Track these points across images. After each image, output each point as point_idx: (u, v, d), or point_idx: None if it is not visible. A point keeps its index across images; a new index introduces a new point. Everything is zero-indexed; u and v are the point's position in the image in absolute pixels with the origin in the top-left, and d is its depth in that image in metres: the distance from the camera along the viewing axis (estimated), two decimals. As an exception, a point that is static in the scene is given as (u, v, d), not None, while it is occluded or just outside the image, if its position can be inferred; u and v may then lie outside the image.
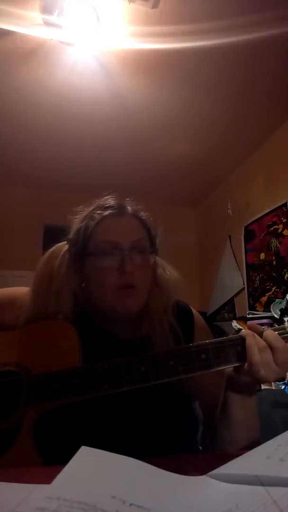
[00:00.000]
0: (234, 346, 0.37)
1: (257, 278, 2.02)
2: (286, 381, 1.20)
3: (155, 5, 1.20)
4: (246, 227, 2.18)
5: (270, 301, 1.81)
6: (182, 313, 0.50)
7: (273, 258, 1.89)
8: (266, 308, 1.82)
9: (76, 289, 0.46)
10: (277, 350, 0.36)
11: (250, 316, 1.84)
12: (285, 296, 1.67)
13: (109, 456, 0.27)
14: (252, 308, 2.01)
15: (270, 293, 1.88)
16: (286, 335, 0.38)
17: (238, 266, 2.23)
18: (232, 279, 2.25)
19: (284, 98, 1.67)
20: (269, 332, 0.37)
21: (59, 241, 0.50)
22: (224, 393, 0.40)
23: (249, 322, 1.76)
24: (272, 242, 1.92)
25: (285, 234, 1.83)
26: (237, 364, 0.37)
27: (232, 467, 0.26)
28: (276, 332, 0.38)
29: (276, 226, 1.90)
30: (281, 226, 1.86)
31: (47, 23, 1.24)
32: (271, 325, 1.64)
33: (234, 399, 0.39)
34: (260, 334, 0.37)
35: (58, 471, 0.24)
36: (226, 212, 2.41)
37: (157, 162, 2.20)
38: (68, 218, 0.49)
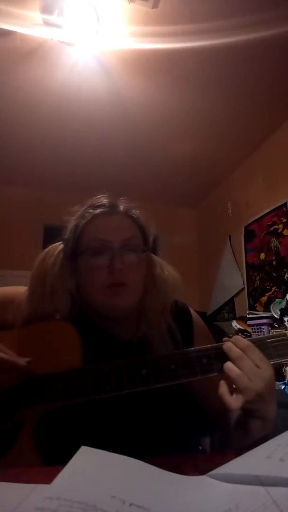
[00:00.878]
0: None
1: (257, 278, 2.02)
2: (286, 381, 1.20)
3: (155, 5, 1.20)
4: (246, 227, 2.18)
5: (270, 301, 1.81)
6: (181, 314, 0.50)
7: (273, 258, 1.89)
8: (266, 308, 1.82)
9: (72, 289, 0.46)
10: (248, 350, 0.35)
11: (250, 316, 1.84)
12: (285, 296, 1.66)
13: (109, 456, 0.27)
14: (252, 308, 2.00)
15: (270, 293, 1.88)
16: (281, 341, 0.38)
17: (238, 266, 2.23)
18: (232, 279, 2.25)
19: (284, 97, 1.67)
20: (234, 339, 0.37)
21: (60, 239, 0.50)
22: (244, 417, 0.37)
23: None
24: (272, 242, 1.92)
25: (285, 234, 1.83)
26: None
27: (232, 467, 0.26)
28: (272, 338, 0.37)
29: (276, 226, 1.90)
30: (281, 226, 1.86)
31: (47, 23, 1.24)
32: (271, 325, 1.64)
33: (255, 423, 0.36)
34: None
35: (58, 471, 0.24)
36: (226, 212, 2.41)
37: (157, 162, 2.20)
38: (65, 218, 0.49)
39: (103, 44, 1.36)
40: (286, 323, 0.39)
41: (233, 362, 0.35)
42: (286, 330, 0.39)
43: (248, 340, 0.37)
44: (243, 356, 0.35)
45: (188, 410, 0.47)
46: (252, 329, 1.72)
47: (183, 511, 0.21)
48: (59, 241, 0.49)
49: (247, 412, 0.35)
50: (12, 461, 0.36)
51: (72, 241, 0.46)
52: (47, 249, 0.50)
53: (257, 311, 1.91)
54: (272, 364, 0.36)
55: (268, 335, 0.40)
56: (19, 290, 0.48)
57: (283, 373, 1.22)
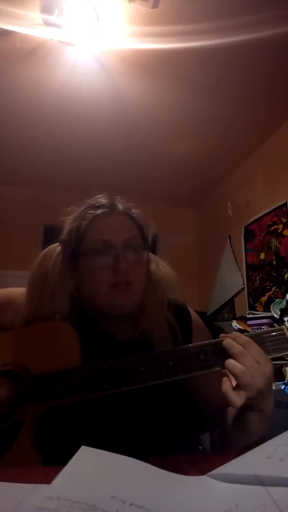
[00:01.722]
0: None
1: (257, 278, 2.02)
2: (286, 381, 1.20)
3: (155, 5, 1.20)
4: (246, 227, 2.18)
5: (270, 301, 1.81)
6: (178, 311, 0.50)
7: (273, 258, 1.89)
8: (266, 308, 1.82)
9: (71, 290, 0.46)
10: (248, 346, 0.35)
11: (250, 316, 1.84)
12: (285, 296, 1.67)
13: (109, 456, 0.27)
14: (252, 308, 2.00)
15: (270, 293, 1.88)
16: (280, 335, 0.38)
17: (238, 266, 2.23)
18: (232, 279, 2.25)
19: (284, 98, 1.67)
20: (232, 335, 0.37)
21: (59, 239, 0.49)
22: (241, 410, 0.38)
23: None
24: (272, 242, 1.92)
25: (285, 234, 1.83)
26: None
27: (232, 467, 0.26)
28: (271, 333, 0.37)
29: (276, 226, 1.90)
30: (281, 226, 1.86)
31: (47, 23, 1.24)
32: (271, 325, 1.64)
33: (252, 417, 0.37)
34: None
35: (58, 471, 0.24)
36: (226, 212, 2.41)
37: (157, 162, 2.20)
38: (60, 219, 0.49)
39: (103, 44, 1.36)
40: (286, 323, 0.39)
41: (235, 358, 0.35)
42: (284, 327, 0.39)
43: (245, 335, 0.38)
44: (245, 352, 0.35)
45: (188, 408, 0.47)
46: (252, 329, 1.72)
47: (183, 511, 0.21)
48: (57, 242, 0.49)
49: (245, 406, 0.35)
50: (11, 460, 0.36)
51: (72, 242, 0.46)
52: (45, 250, 0.49)
53: (257, 311, 1.91)
54: (270, 359, 0.36)
55: (265, 330, 0.40)
56: (18, 291, 0.48)
57: (283, 373, 1.22)
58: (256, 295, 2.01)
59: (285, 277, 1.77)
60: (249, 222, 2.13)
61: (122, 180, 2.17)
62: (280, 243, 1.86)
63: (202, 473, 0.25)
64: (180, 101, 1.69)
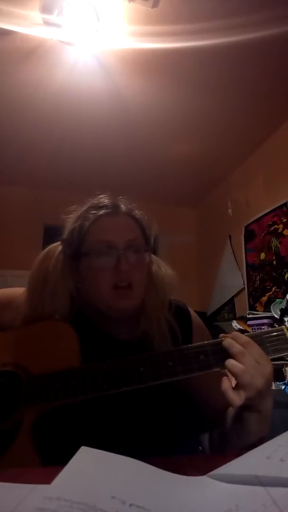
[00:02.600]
0: None
1: (257, 278, 2.02)
2: (286, 381, 1.20)
3: (155, 5, 1.20)
4: (246, 227, 2.17)
5: (270, 301, 1.81)
6: (179, 312, 0.50)
7: (273, 258, 1.89)
8: (266, 308, 1.82)
9: (72, 290, 0.46)
10: (248, 346, 0.35)
11: (250, 316, 1.84)
12: (285, 296, 1.66)
13: (109, 456, 0.27)
14: (252, 308, 2.00)
15: (270, 293, 1.88)
16: (281, 336, 0.38)
17: (238, 266, 2.22)
18: (232, 279, 2.25)
19: (284, 98, 1.66)
20: (232, 335, 0.37)
21: (60, 239, 0.49)
22: (240, 410, 0.38)
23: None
24: (272, 242, 1.92)
25: (285, 234, 1.83)
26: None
27: (232, 467, 0.26)
28: (272, 333, 0.37)
29: (276, 226, 1.90)
30: (281, 226, 1.86)
31: (47, 23, 1.24)
32: (271, 325, 1.64)
33: (250, 417, 0.37)
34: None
35: (58, 471, 0.24)
36: (226, 212, 2.40)
37: (157, 162, 2.20)
38: (61, 217, 0.48)
39: (103, 44, 1.35)
40: (286, 323, 0.39)
41: (235, 358, 0.35)
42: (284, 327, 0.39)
43: (245, 335, 0.37)
44: (245, 351, 0.35)
45: (188, 408, 0.47)
46: (252, 329, 1.72)
47: (183, 511, 0.21)
48: (58, 241, 0.49)
49: (244, 406, 0.35)
50: (11, 460, 0.36)
51: (74, 243, 0.46)
52: (46, 250, 0.49)
53: (257, 311, 1.91)
54: (270, 359, 0.36)
55: (265, 330, 0.40)
56: (18, 291, 0.48)
57: (283, 373, 1.22)
58: (256, 295, 2.01)
59: (285, 277, 1.77)
60: (249, 222, 2.13)
61: (122, 180, 2.16)
62: (280, 243, 1.86)
63: (202, 473, 0.25)
64: (180, 100, 1.69)
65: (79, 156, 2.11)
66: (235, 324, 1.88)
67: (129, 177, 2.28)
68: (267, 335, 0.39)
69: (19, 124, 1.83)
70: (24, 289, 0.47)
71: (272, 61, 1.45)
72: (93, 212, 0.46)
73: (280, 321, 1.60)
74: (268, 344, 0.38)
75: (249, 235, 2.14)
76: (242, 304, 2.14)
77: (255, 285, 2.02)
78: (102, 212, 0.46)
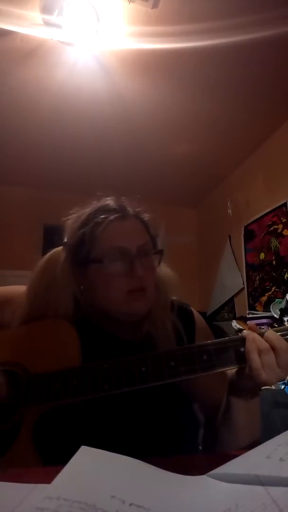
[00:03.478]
0: (236, 347, 0.37)
1: (257, 278, 2.02)
2: (286, 381, 1.20)
3: (155, 5, 1.20)
4: (246, 227, 2.17)
5: (270, 301, 1.81)
6: (182, 313, 0.50)
7: (273, 258, 1.89)
8: (266, 308, 1.82)
9: (76, 293, 0.46)
10: (281, 351, 0.35)
11: (250, 316, 1.84)
12: (285, 296, 1.66)
13: (109, 455, 0.27)
14: (252, 308, 2.00)
15: (270, 293, 1.88)
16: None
17: (238, 266, 2.22)
18: (232, 279, 2.25)
19: (284, 98, 1.67)
20: (270, 333, 0.37)
21: (59, 241, 0.49)
22: (227, 397, 0.39)
23: (248, 323, 1.76)
24: (272, 242, 1.91)
25: (285, 234, 1.83)
26: (239, 366, 0.36)
27: (232, 466, 0.26)
28: (278, 333, 0.37)
29: (276, 226, 1.90)
30: (281, 226, 1.86)
31: (47, 23, 1.24)
32: (270, 325, 1.64)
33: (237, 403, 0.38)
34: (261, 335, 0.37)
35: (58, 471, 0.24)
36: (226, 212, 2.40)
37: (157, 162, 2.20)
38: (62, 220, 0.48)
39: (103, 44, 1.35)
40: (286, 323, 0.39)
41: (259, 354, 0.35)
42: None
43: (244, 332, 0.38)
44: (270, 350, 0.35)
45: (188, 408, 0.47)
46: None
47: (182, 511, 0.21)
48: (60, 245, 0.49)
49: (234, 389, 0.37)
50: (11, 460, 0.36)
51: (82, 248, 0.45)
52: (49, 254, 0.49)
53: (257, 311, 1.91)
54: None
55: (275, 329, 0.39)
56: (19, 289, 0.48)
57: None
58: (256, 295, 2.01)
59: (285, 277, 1.77)
60: (249, 222, 2.13)
61: (122, 180, 2.16)
62: (280, 243, 1.86)
63: (202, 472, 0.25)
64: (180, 101, 1.69)
65: (79, 156, 2.11)
66: (234, 324, 1.87)
67: (129, 177, 2.28)
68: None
69: (19, 124, 1.83)
70: (25, 289, 0.47)
71: (272, 61, 1.45)
72: (102, 216, 0.45)
73: (280, 321, 1.60)
74: None
75: (249, 235, 2.14)
76: (241, 304, 2.14)
77: (255, 285, 2.02)
78: (112, 217, 0.45)
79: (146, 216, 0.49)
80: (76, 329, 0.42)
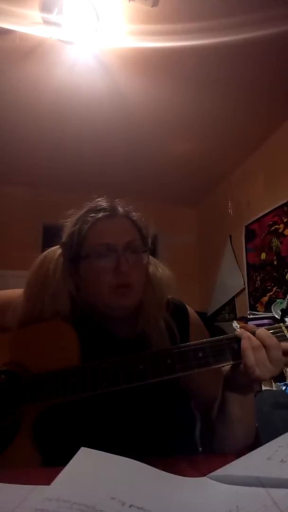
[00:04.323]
0: (231, 345, 0.38)
1: (258, 278, 2.01)
2: (286, 382, 1.20)
3: (155, 4, 1.19)
4: (246, 227, 2.17)
5: (271, 301, 1.80)
6: (177, 311, 0.51)
7: (274, 258, 1.89)
8: (267, 308, 1.81)
9: (72, 291, 0.47)
10: (270, 348, 0.36)
11: (251, 316, 1.84)
12: (286, 296, 1.66)
13: (108, 457, 0.27)
14: (253, 308, 2.00)
15: (271, 293, 1.88)
16: (279, 334, 0.39)
17: (238, 266, 2.22)
18: (232, 279, 2.24)
19: (284, 97, 1.66)
20: (261, 331, 0.38)
21: (59, 241, 0.50)
22: (222, 392, 0.41)
23: (249, 323, 1.76)
24: (273, 241, 1.91)
25: (286, 234, 1.83)
26: (233, 363, 0.38)
27: (233, 468, 0.25)
28: (269, 331, 0.39)
29: (277, 226, 1.89)
30: (282, 225, 1.86)
31: (46, 22, 1.24)
32: (271, 325, 1.63)
33: (232, 398, 0.39)
34: (253, 333, 0.38)
35: (58, 472, 0.24)
36: (226, 212, 2.40)
37: (157, 161, 2.19)
38: (60, 222, 0.49)
39: (103, 43, 1.35)
40: (287, 323, 0.40)
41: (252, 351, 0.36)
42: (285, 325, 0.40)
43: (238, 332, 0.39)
44: (261, 347, 0.37)
45: (187, 408, 0.48)
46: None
47: (183, 513, 0.21)
48: (56, 245, 0.50)
49: (229, 383, 0.38)
50: (10, 458, 0.36)
51: (74, 246, 0.46)
52: (45, 253, 0.50)
53: (258, 311, 1.91)
54: None
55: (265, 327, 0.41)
56: (16, 292, 0.49)
57: (284, 373, 1.21)
58: (257, 295, 2.00)
59: (286, 277, 1.77)
60: (250, 221, 2.13)
61: (122, 179, 2.16)
62: (281, 243, 1.85)
63: (202, 474, 0.25)
64: (180, 100, 1.68)
65: (78, 155, 2.10)
66: (235, 324, 1.87)
67: (129, 176, 2.28)
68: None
69: (18, 123, 1.83)
70: (22, 291, 0.47)
71: (272, 61, 1.44)
72: (92, 215, 0.47)
73: (281, 322, 1.59)
74: None
75: (250, 235, 2.14)
76: (242, 305, 2.14)
77: (256, 285, 2.02)
78: (100, 215, 0.47)
79: (135, 215, 0.50)
80: (76, 331, 0.42)
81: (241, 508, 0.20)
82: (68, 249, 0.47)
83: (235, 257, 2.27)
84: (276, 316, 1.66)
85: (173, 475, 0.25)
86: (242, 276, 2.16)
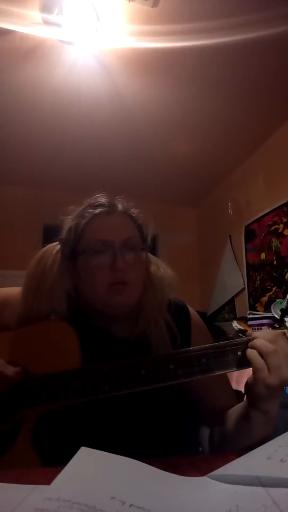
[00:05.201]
0: (235, 351, 0.37)
1: (258, 278, 2.01)
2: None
3: (155, 4, 1.19)
4: (246, 227, 2.17)
5: (270, 301, 1.80)
6: (178, 311, 0.50)
7: (274, 258, 1.89)
8: (267, 308, 1.81)
9: (69, 288, 0.46)
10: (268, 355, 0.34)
11: (251, 316, 1.84)
12: (285, 296, 1.66)
13: (108, 457, 0.27)
14: (252, 308, 2.00)
15: (271, 293, 1.88)
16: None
17: (238, 266, 2.22)
18: (232, 279, 2.24)
19: (284, 97, 1.66)
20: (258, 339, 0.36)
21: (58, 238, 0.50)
22: (247, 409, 0.38)
23: (249, 323, 1.76)
24: (272, 241, 1.91)
25: (285, 234, 1.83)
26: (237, 369, 0.36)
27: (233, 468, 0.25)
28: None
29: (276, 226, 1.89)
30: (281, 225, 1.86)
31: (46, 22, 1.24)
32: (271, 325, 1.64)
33: (256, 416, 0.37)
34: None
35: (58, 472, 0.24)
36: (226, 212, 2.40)
37: (157, 161, 2.19)
38: (60, 218, 0.49)
39: (103, 43, 1.35)
40: (287, 324, 0.39)
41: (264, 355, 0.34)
42: (286, 329, 0.39)
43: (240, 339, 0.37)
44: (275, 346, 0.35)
45: (188, 409, 0.47)
46: (252, 329, 1.72)
47: (183, 512, 0.21)
48: (56, 241, 0.49)
49: (253, 404, 0.35)
50: (11, 461, 0.36)
51: (71, 241, 0.46)
52: (44, 249, 0.49)
53: (258, 311, 1.91)
54: None
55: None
56: (14, 290, 0.48)
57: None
58: (256, 295, 2.01)
59: (286, 277, 1.77)
60: (250, 221, 2.13)
61: (122, 179, 2.16)
62: (280, 243, 1.85)
63: (202, 474, 0.25)
64: (180, 100, 1.69)
65: (78, 155, 2.10)
66: (235, 324, 1.87)
67: (129, 176, 2.28)
68: None
69: (18, 123, 1.83)
70: (20, 288, 0.47)
71: (272, 61, 1.45)
72: (90, 211, 0.46)
73: (281, 321, 1.59)
74: None
75: (250, 235, 2.14)
76: (242, 304, 2.14)
77: (256, 285, 2.02)
78: (98, 210, 0.46)
79: (135, 212, 0.49)
80: (75, 329, 0.42)
81: (241, 508, 0.20)
82: (66, 245, 0.47)
83: (235, 257, 2.27)
84: (276, 316, 1.66)
85: (173, 474, 0.25)
86: (242, 276, 2.16)
